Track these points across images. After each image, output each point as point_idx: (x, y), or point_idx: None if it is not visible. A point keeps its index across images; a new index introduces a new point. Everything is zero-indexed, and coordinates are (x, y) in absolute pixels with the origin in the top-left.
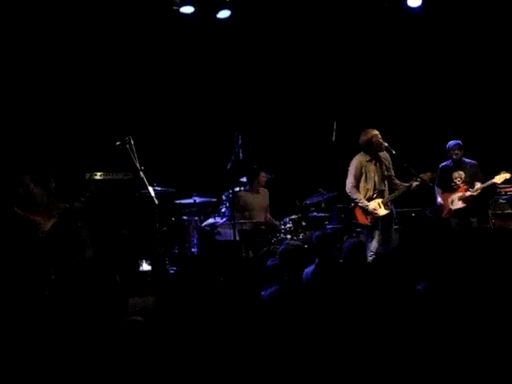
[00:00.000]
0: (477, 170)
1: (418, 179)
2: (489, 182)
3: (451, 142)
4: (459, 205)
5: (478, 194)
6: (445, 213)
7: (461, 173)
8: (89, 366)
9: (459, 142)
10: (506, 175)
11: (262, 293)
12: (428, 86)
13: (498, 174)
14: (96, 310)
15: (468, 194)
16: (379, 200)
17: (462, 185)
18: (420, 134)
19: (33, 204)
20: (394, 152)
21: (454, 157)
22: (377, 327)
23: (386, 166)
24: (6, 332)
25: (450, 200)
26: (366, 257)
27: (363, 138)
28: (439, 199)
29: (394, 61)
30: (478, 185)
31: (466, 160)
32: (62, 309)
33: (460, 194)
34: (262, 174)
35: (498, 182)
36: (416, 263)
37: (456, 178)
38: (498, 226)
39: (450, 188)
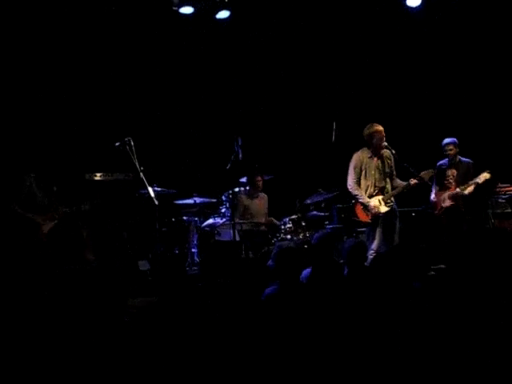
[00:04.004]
0: (470, 168)
1: (418, 177)
2: (474, 181)
3: (445, 139)
4: (449, 203)
5: (469, 193)
6: (437, 211)
7: (454, 171)
8: (89, 366)
9: (454, 139)
10: (486, 175)
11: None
12: (427, 85)
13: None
14: (96, 310)
15: (457, 190)
16: (380, 197)
17: (453, 183)
18: (420, 132)
19: (33, 204)
20: (393, 151)
21: (448, 152)
22: (375, 325)
23: (388, 163)
24: (5, 332)
25: (441, 198)
26: (366, 257)
27: (366, 132)
28: (432, 196)
29: (394, 61)
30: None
31: (462, 159)
32: (62, 309)
33: (450, 192)
34: (258, 179)
35: (480, 182)
36: (414, 261)
37: (449, 176)
38: (497, 226)
39: (443, 186)
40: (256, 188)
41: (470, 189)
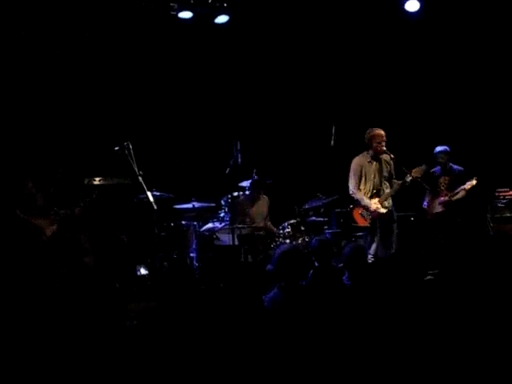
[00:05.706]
0: (462, 176)
1: (410, 174)
2: (461, 188)
3: (437, 148)
4: (439, 209)
5: (455, 200)
6: (428, 216)
7: (446, 178)
8: (90, 370)
9: (446, 147)
10: (472, 182)
11: (263, 297)
12: (426, 89)
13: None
14: (96, 315)
15: (445, 198)
16: (376, 199)
17: (444, 190)
18: (418, 137)
19: (33, 208)
20: (392, 156)
21: (440, 160)
22: (375, 330)
23: (386, 167)
24: (7, 334)
25: (433, 204)
26: (366, 261)
27: (367, 135)
28: (424, 203)
29: (392, 65)
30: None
31: (454, 166)
32: (63, 314)
33: (441, 198)
34: (260, 192)
35: (467, 188)
36: (413, 266)
37: (441, 184)
38: (496, 230)
39: (436, 193)
40: (257, 196)
41: (459, 195)
